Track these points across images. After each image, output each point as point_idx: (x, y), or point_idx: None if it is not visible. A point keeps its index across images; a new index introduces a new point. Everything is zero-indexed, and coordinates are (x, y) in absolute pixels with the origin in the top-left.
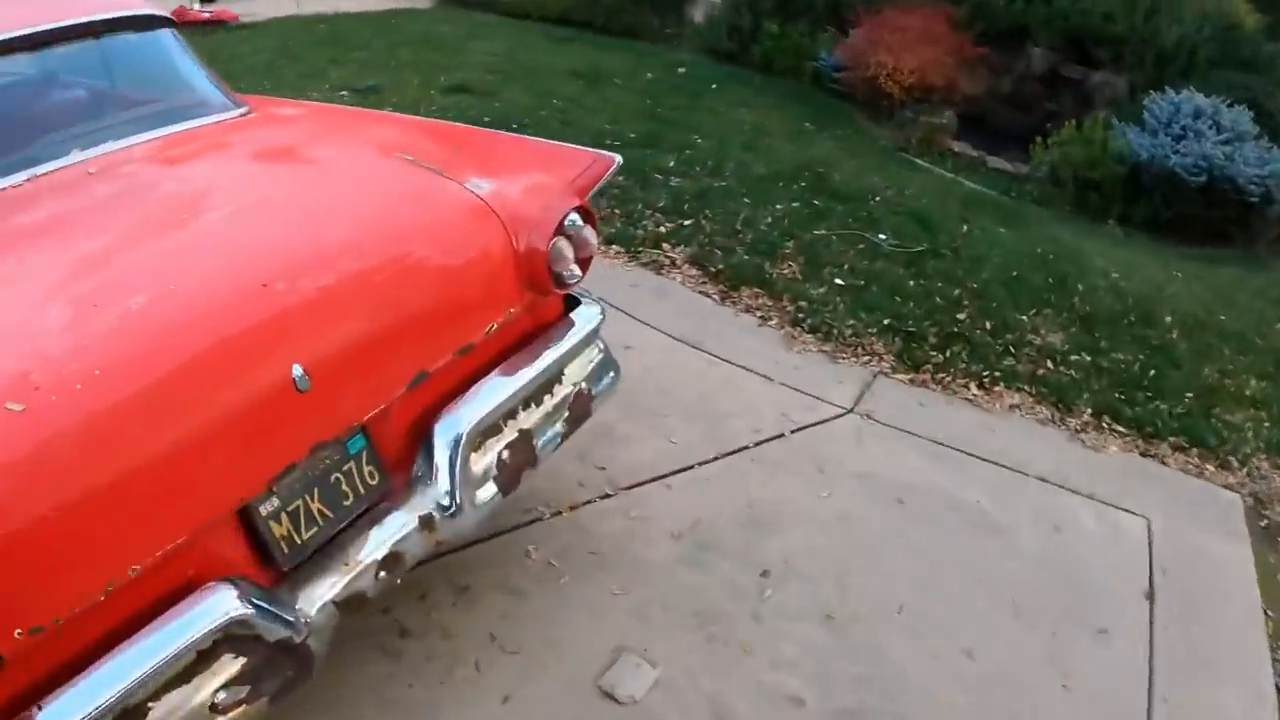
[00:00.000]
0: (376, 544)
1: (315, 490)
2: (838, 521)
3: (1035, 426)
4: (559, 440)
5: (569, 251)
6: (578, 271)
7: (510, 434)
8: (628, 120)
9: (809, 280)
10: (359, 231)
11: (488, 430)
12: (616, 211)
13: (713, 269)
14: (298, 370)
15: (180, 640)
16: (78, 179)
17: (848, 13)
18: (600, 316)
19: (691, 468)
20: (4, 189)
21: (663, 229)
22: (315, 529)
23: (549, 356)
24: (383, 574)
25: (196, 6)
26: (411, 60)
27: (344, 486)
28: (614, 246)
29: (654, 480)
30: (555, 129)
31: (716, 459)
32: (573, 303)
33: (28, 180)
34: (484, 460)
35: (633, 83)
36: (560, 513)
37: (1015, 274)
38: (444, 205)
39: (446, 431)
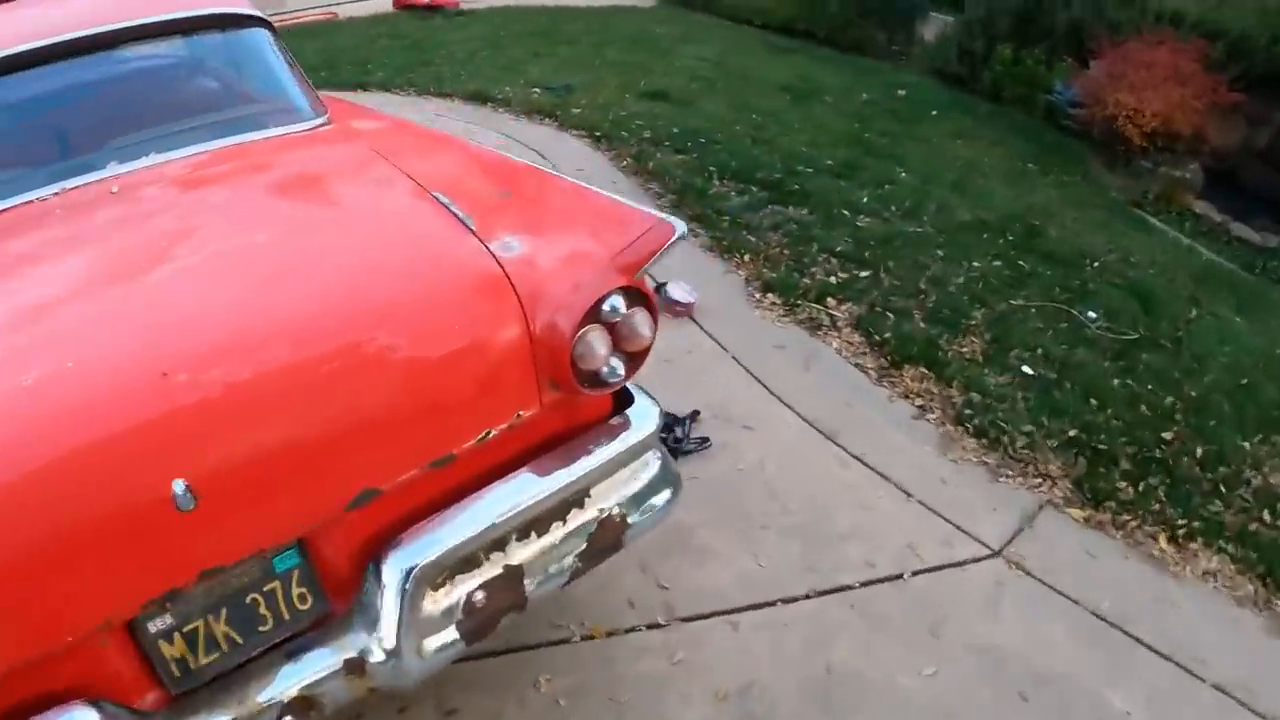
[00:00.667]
0: (285, 682)
1: (222, 611)
2: (933, 715)
3: (1229, 607)
4: (568, 578)
5: (604, 345)
6: (620, 370)
7: (492, 569)
8: (828, 144)
9: (990, 365)
10: (323, 302)
11: (459, 564)
12: (785, 252)
13: (878, 336)
14: (179, 486)
15: None
16: (96, 199)
17: (1090, 41)
18: (656, 424)
19: (771, 604)
20: (28, 202)
21: (833, 279)
22: (217, 654)
23: (566, 475)
24: (288, 719)
25: None
26: (617, 60)
27: (262, 609)
28: (770, 295)
29: (719, 615)
30: (743, 148)
31: (807, 597)
32: (627, 397)
33: (55, 195)
34: (447, 600)
35: (845, 102)
36: (593, 636)
37: (1245, 382)
38: (451, 270)
39: (397, 563)
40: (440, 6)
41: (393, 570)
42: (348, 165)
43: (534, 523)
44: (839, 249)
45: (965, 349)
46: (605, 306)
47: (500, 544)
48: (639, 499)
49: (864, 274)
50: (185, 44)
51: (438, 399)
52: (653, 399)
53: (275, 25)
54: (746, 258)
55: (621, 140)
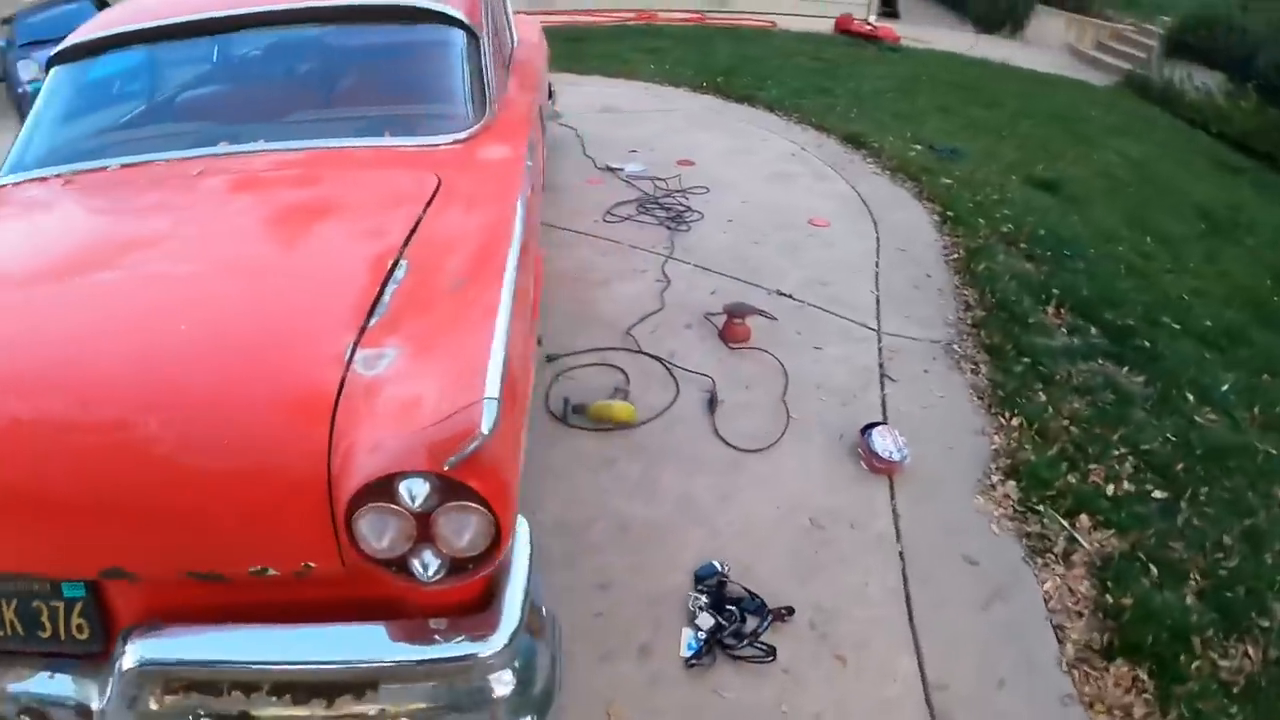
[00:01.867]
0: (33, 687)
1: (14, 601)
2: None
3: None
4: None
5: (396, 532)
6: (435, 569)
7: (229, 709)
8: (1219, 298)
9: None
10: (135, 365)
11: (198, 684)
12: (1074, 429)
13: (1114, 597)
14: None
15: None
16: (173, 176)
17: None
18: (499, 645)
19: None
20: (111, 168)
21: (1110, 488)
22: (1, 632)
23: (339, 651)
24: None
25: (870, 19)
26: (1026, 135)
27: (44, 619)
28: (1010, 484)
29: None
30: (1108, 274)
31: None
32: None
33: (164, 162)
34: (175, 709)
35: (1272, 249)
36: None
37: None
38: (287, 372)
39: (137, 646)
40: (879, 39)
41: (132, 651)
42: (376, 200)
43: (291, 686)
44: (1149, 448)
45: (1238, 672)
46: (400, 488)
47: (247, 688)
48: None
49: (1158, 495)
50: (375, 32)
51: (197, 512)
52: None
53: (707, 19)
54: (1017, 420)
55: (971, 227)
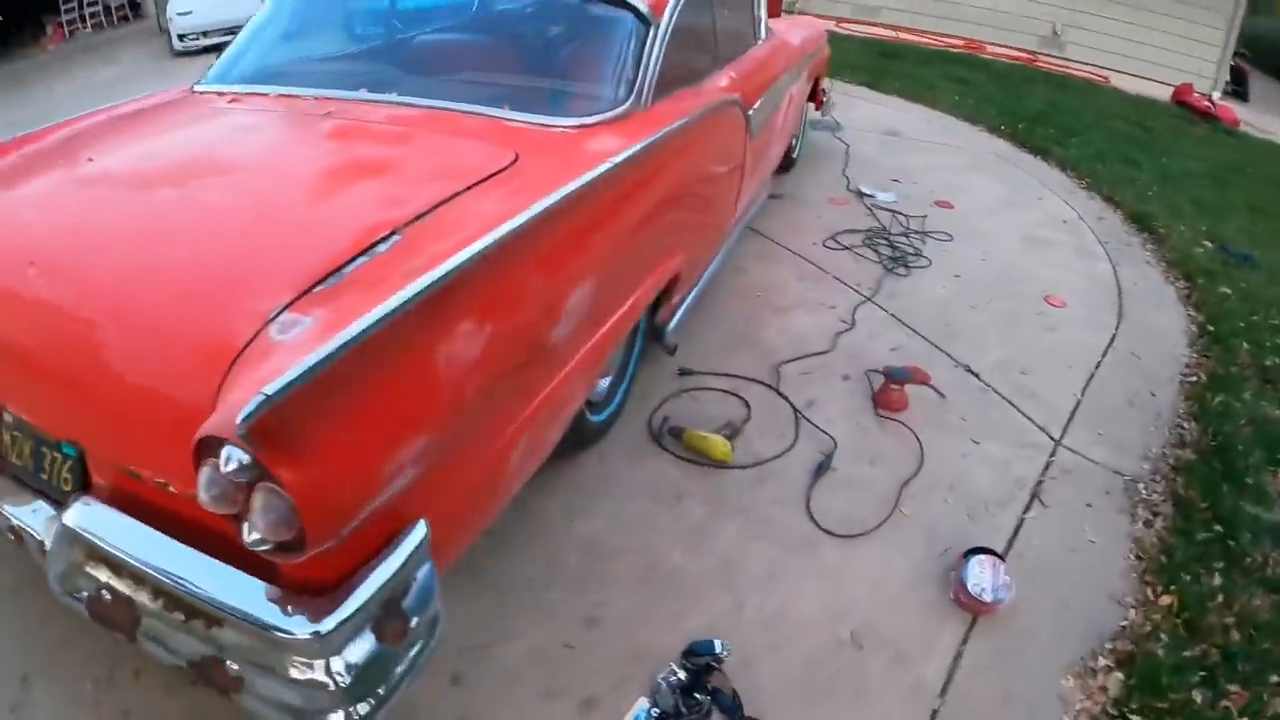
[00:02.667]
0: (21, 513)
1: (29, 444)
2: None
3: None
4: (180, 664)
5: (220, 491)
6: (250, 536)
7: (119, 584)
8: None
9: None
10: (135, 271)
11: (103, 558)
12: (1232, 632)
13: None
14: None
15: None
16: (301, 114)
17: None
18: (294, 631)
19: None
20: (270, 95)
21: None
22: (18, 463)
23: (195, 576)
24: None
25: (1213, 96)
26: None
27: (46, 463)
28: (1121, 674)
29: None
30: None
31: None
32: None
33: (289, 96)
34: (85, 568)
35: None
36: None
37: None
38: (215, 319)
39: (73, 509)
40: (1215, 118)
41: (71, 510)
42: (429, 170)
43: (164, 593)
44: None
45: None
46: (223, 452)
47: (136, 579)
48: (271, 686)
49: None
50: (550, 4)
51: (120, 410)
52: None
53: (1037, 62)
54: (1169, 600)
55: (1229, 350)
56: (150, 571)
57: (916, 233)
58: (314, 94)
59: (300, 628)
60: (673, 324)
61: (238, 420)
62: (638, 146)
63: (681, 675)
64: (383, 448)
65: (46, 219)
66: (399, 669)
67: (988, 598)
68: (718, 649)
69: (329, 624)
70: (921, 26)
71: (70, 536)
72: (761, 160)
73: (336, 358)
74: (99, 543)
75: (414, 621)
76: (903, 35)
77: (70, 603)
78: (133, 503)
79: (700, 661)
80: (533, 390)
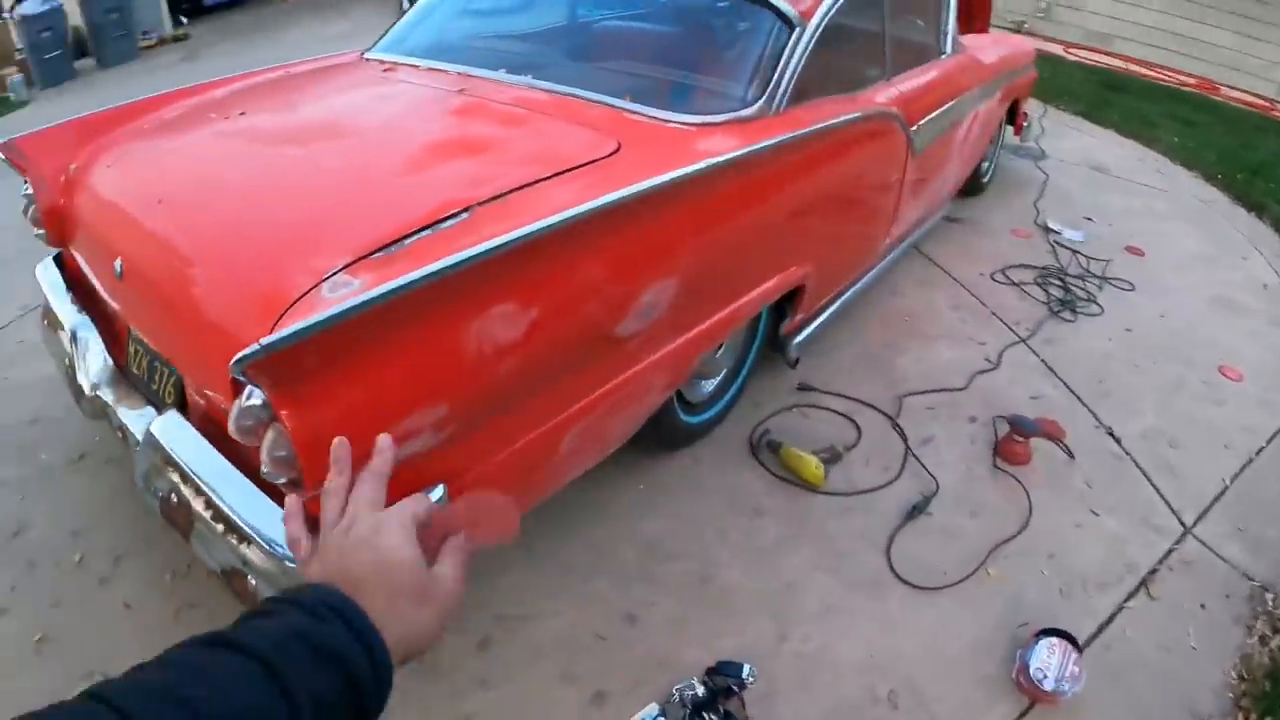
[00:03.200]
0: (133, 409)
1: (149, 359)
2: None
3: None
4: (216, 569)
5: (246, 423)
6: (265, 468)
7: (184, 490)
8: None
9: None
10: (236, 219)
11: (174, 465)
12: None
13: None
14: (118, 264)
15: None
16: (438, 89)
17: None
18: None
19: None
20: (420, 67)
21: None
22: (138, 373)
23: (236, 498)
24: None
25: None
26: None
27: (156, 376)
28: None
29: None
30: None
31: None
32: None
33: (436, 70)
34: (162, 472)
35: None
36: None
37: None
38: (282, 270)
39: (156, 423)
40: None
41: (157, 420)
42: (527, 154)
43: (209, 501)
44: None
45: None
46: (245, 391)
47: (193, 485)
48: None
49: None
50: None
51: (196, 345)
52: None
53: (1276, 110)
54: None
55: None
56: (203, 484)
57: (1095, 277)
58: (457, 70)
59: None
60: (799, 338)
61: (232, 361)
62: (745, 150)
63: (699, 691)
64: (393, 408)
65: (183, 162)
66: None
67: (1048, 685)
68: (745, 673)
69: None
70: (1154, 60)
71: (152, 442)
72: (929, 181)
73: (347, 317)
74: (171, 452)
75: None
76: (1133, 67)
77: (148, 499)
78: (209, 424)
79: (723, 682)
80: (590, 382)
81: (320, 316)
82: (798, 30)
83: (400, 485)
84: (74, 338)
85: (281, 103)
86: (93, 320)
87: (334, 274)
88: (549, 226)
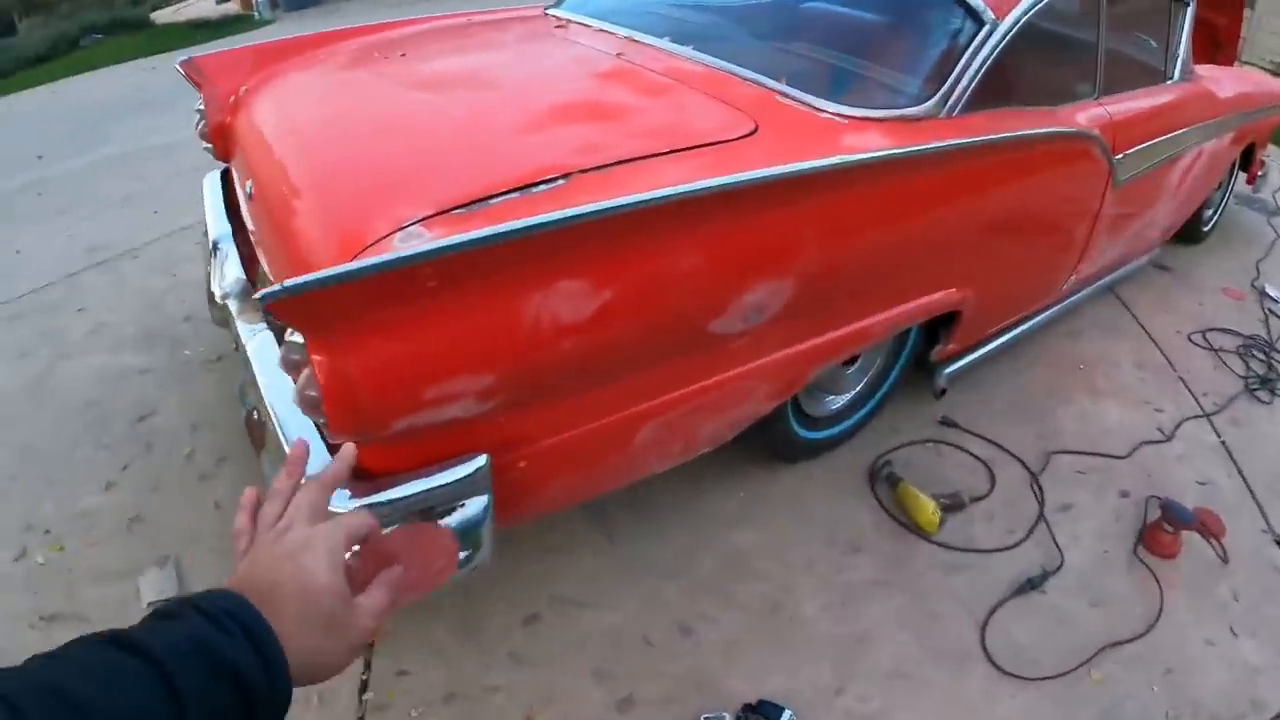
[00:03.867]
0: (246, 325)
1: (266, 276)
2: None
3: None
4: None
5: (293, 361)
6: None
7: (261, 411)
8: None
9: None
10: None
11: (256, 385)
12: None
13: None
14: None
15: None
16: (597, 50)
17: None
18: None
19: None
20: (591, 27)
21: None
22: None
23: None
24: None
25: None
26: None
27: None
28: None
29: None
30: None
31: None
32: None
33: (622, 35)
34: (254, 393)
35: None
36: None
37: None
38: (370, 211)
39: (251, 342)
40: None
41: (251, 341)
42: (657, 126)
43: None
44: None
45: None
46: (288, 330)
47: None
48: None
49: None
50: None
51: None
52: None
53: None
54: None
55: None
56: (271, 409)
57: None
58: (624, 34)
59: (348, 503)
60: (951, 367)
61: (257, 295)
62: (898, 151)
63: None
64: (431, 369)
65: (326, 97)
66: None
67: None
68: (784, 718)
69: (353, 503)
70: None
71: (245, 359)
72: (1133, 218)
73: (382, 270)
74: (256, 372)
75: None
76: None
77: (241, 409)
78: None
79: None
80: (676, 377)
81: (350, 267)
82: (987, 28)
83: (436, 446)
84: (215, 247)
85: (443, 49)
86: (235, 235)
87: (411, 224)
88: (629, 205)
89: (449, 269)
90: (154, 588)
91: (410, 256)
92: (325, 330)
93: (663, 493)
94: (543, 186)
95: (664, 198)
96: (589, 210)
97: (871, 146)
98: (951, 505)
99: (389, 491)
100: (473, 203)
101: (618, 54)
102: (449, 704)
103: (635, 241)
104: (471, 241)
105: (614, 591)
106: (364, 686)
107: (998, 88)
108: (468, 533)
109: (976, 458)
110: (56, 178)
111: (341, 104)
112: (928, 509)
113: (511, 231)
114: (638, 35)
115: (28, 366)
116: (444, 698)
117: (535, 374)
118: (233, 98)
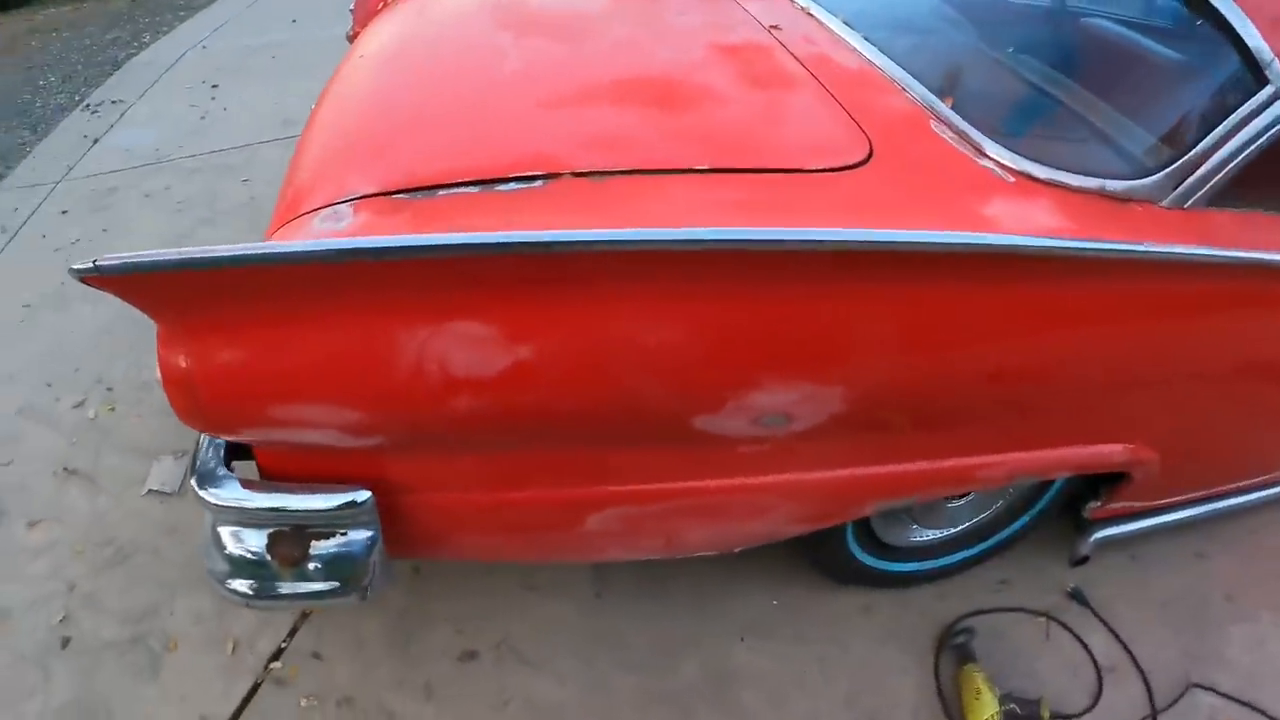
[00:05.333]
0: None
1: None
2: None
3: None
4: None
5: None
6: None
7: None
8: None
9: None
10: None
11: None
12: None
13: None
14: None
15: None
16: (752, 14)
17: None
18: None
19: None
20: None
21: None
22: None
23: None
24: None
25: None
26: None
27: None
28: None
29: None
30: None
31: None
32: None
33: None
34: None
35: None
36: None
37: None
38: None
39: None
40: None
41: None
42: (764, 136)
43: None
44: None
45: None
46: None
47: None
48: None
49: None
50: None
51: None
52: None
53: None
54: None
55: None
56: None
57: None
58: (801, 4)
59: (224, 489)
60: (1105, 532)
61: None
62: (1073, 246)
63: None
64: (277, 389)
65: (422, 29)
66: (280, 587)
67: None
68: None
69: (230, 499)
70: None
71: None
72: None
73: (214, 266)
74: None
75: (312, 564)
76: None
77: None
78: None
79: None
80: (639, 468)
81: (165, 258)
82: (1268, 91)
83: (326, 465)
84: None
85: None
86: None
87: (343, 202)
88: (577, 242)
89: (312, 278)
90: (158, 478)
91: (242, 257)
92: (161, 315)
93: (683, 566)
94: (513, 184)
95: (627, 241)
96: (509, 240)
97: (1039, 226)
98: (1021, 715)
99: (268, 497)
100: (420, 189)
101: (772, 26)
102: (340, 708)
103: (584, 290)
104: (335, 253)
105: (568, 660)
106: (278, 653)
107: (1263, 181)
108: (338, 560)
109: (1092, 658)
110: (297, 44)
111: (427, 37)
112: (986, 711)
113: (392, 249)
114: (814, 7)
115: (176, 223)
116: (340, 699)
117: (419, 425)
118: (381, 4)
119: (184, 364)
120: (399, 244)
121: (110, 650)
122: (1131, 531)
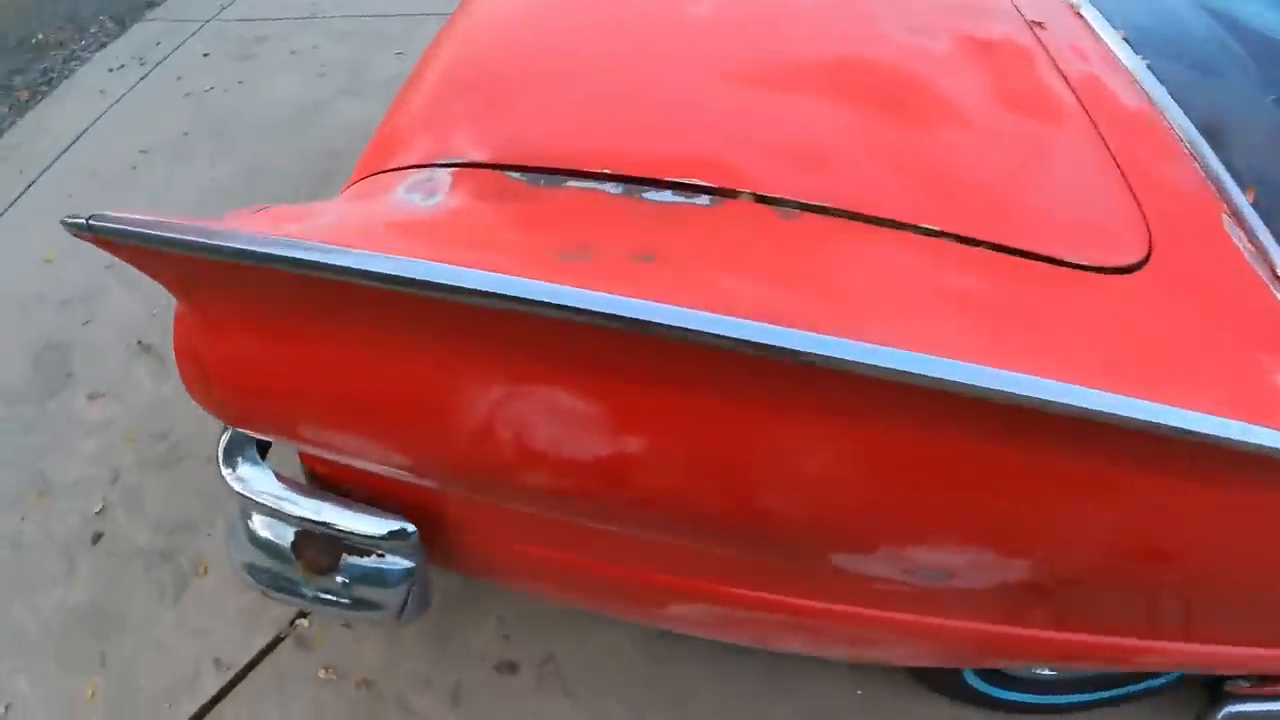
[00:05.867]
0: None
1: None
2: None
3: None
4: None
5: None
6: None
7: None
8: None
9: None
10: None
11: None
12: None
13: None
14: None
15: None
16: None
17: None
18: None
19: None
20: None
21: None
22: None
23: None
24: None
25: None
26: None
27: None
28: None
29: None
30: None
31: None
32: None
33: None
34: None
35: None
36: None
37: None
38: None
39: None
40: None
41: None
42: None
43: None
44: None
45: None
46: None
47: None
48: None
49: None
50: None
51: None
52: None
53: None
54: None
55: None
56: None
57: None
58: (1083, 11)
59: (261, 478)
60: (1241, 708)
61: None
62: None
63: None
64: (309, 410)
65: None
66: (302, 590)
67: None
68: None
69: (269, 495)
70: None
71: None
72: None
73: (196, 252)
74: None
75: (340, 577)
76: None
77: None
78: None
79: None
80: (743, 575)
81: (171, 233)
82: None
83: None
84: None
85: None
86: None
87: (441, 165)
88: (747, 342)
89: (358, 296)
90: None
91: (261, 255)
92: (175, 290)
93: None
94: (669, 194)
95: (822, 357)
96: (646, 318)
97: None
98: None
99: (310, 506)
100: (543, 170)
101: (1035, 22)
102: (359, 689)
103: (729, 385)
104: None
105: (613, 704)
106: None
107: None
108: (370, 584)
109: None
110: None
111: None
112: None
113: (471, 290)
114: (1086, 8)
115: (315, 89)
116: (361, 680)
117: (479, 486)
118: None
119: (199, 351)
120: (486, 286)
121: (139, 559)
122: (1268, 712)
